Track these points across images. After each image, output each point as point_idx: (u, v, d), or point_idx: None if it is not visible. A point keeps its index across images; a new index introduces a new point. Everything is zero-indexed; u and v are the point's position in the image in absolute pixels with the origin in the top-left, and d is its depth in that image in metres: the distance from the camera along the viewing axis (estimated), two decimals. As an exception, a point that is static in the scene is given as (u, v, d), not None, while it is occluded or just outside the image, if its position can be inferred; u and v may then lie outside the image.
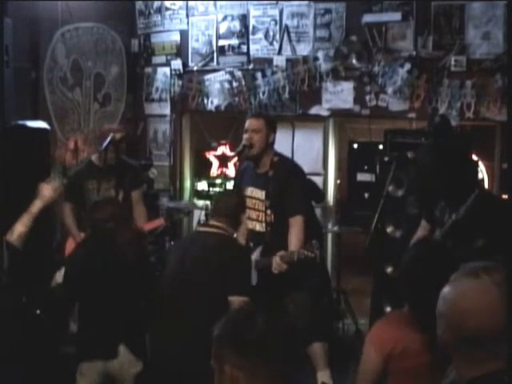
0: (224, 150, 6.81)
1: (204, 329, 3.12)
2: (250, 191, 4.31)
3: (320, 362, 4.26)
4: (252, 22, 6.20)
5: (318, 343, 4.26)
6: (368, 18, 5.57)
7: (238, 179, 4.52)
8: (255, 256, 4.25)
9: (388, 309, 4.94)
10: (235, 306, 3.20)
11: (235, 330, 1.69)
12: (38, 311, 3.21)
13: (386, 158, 4.98)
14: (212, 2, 6.41)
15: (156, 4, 6.78)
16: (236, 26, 6.28)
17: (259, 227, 4.26)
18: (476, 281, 1.85)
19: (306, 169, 4.54)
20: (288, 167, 4.31)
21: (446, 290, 1.87)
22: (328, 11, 5.81)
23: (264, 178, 4.24)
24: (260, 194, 4.25)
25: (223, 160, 6.79)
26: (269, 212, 4.20)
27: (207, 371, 3.03)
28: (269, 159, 4.25)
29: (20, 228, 3.26)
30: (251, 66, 6.20)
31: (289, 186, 4.19)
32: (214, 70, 6.42)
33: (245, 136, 4.24)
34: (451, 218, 3.45)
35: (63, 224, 4.97)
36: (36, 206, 3.35)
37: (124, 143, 4.91)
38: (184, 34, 6.61)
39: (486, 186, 6.02)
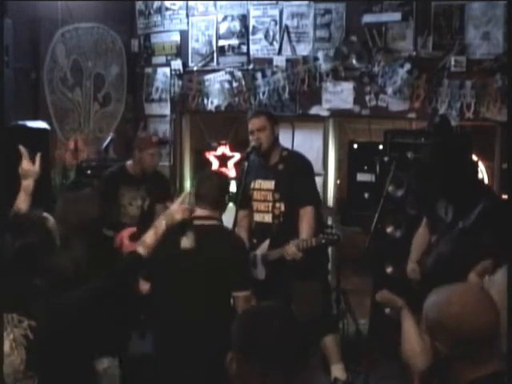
0: (224, 149, 6.80)
1: (208, 327, 3.17)
2: (258, 184, 4.32)
3: (333, 355, 4.27)
4: (252, 22, 6.20)
5: (330, 335, 4.27)
6: (368, 18, 5.57)
7: (245, 174, 4.46)
8: (262, 250, 4.26)
9: (388, 309, 4.94)
10: (241, 301, 3.18)
11: (250, 332, 1.68)
12: None
13: (386, 158, 4.98)
14: (212, 2, 6.41)
15: (156, 4, 6.79)
16: (236, 26, 6.28)
17: (268, 218, 4.27)
18: (459, 285, 1.86)
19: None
20: (298, 160, 4.35)
21: (432, 299, 1.87)
22: (328, 11, 5.81)
23: (274, 170, 4.26)
24: (269, 184, 4.26)
25: (223, 160, 6.78)
26: (277, 205, 4.21)
27: (210, 368, 3.08)
28: (278, 152, 4.29)
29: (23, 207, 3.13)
30: (251, 66, 6.20)
31: (300, 177, 4.22)
32: (214, 70, 6.42)
33: (251, 137, 4.24)
34: (458, 223, 3.43)
35: None
36: (26, 185, 3.21)
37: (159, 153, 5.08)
38: (184, 34, 6.62)
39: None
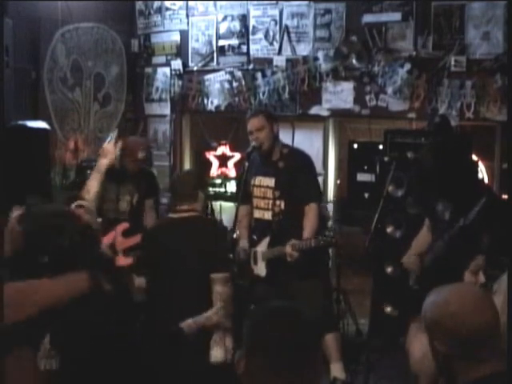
0: (224, 149, 6.81)
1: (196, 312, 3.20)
2: (258, 180, 4.32)
3: (333, 354, 4.26)
4: (252, 22, 6.20)
5: (330, 334, 4.26)
6: (368, 18, 5.57)
7: (246, 172, 4.41)
8: (262, 247, 4.26)
9: (388, 309, 4.95)
10: (219, 282, 3.26)
11: (260, 331, 1.67)
12: None
13: (386, 158, 4.99)
14: (212, 2, 6.41)
15: (156, 4, 6.79)
16: (236, 26, 6.28)
17: (267, 216, 4.27)
18: (458, 284, 1.86)
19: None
20: (299, 157, 4.35)
21: (431, 298, 1.86)
22: (328, 11, 5.81)
23: (274, 167, 4.26)
24: (269, 181, 4.26)
25: (223, 160, 6.78)
26: (277, 203, 4.21)
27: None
28: (279, 150, 4.29)
29: (94, 187, 3.29)
30: (251, 66, 6.20)
31: (302, 174, 4.22)
32: (214, 70, 6.42)
33: (251, 138, 4.24)
34: (458, 222, 3.44)
35: None
36: (102, 164, 3.42)
37: (146, 156, 4.95)
38: (184, 34, 6.62)
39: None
